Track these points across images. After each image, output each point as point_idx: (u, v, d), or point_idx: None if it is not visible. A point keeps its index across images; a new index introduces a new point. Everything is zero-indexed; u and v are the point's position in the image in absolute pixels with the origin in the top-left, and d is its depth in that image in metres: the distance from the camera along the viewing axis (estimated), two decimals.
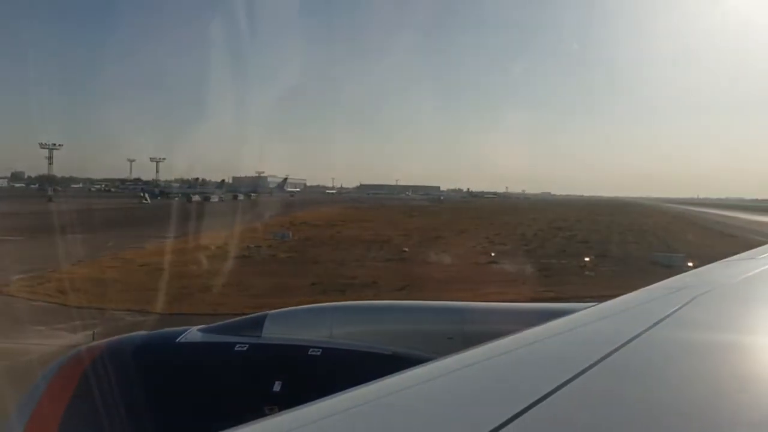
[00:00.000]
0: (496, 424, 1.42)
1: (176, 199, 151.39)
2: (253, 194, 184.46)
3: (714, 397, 1.73)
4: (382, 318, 4.52)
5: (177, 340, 4.35)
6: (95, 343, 4.67)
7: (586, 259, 34.40)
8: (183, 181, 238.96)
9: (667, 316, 2.57)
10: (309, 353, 4.04)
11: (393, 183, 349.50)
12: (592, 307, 3.14)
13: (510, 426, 1.43)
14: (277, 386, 3.80)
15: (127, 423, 3.85)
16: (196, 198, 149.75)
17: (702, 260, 30.25)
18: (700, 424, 1.56)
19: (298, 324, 4.43)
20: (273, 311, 4.52)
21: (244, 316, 4.67)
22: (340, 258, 36.79)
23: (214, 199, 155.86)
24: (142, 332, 5.01)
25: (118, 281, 27.15)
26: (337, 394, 1.75)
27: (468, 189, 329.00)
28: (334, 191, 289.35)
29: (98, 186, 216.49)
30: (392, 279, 27.97)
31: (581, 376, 1.76)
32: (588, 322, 2.73)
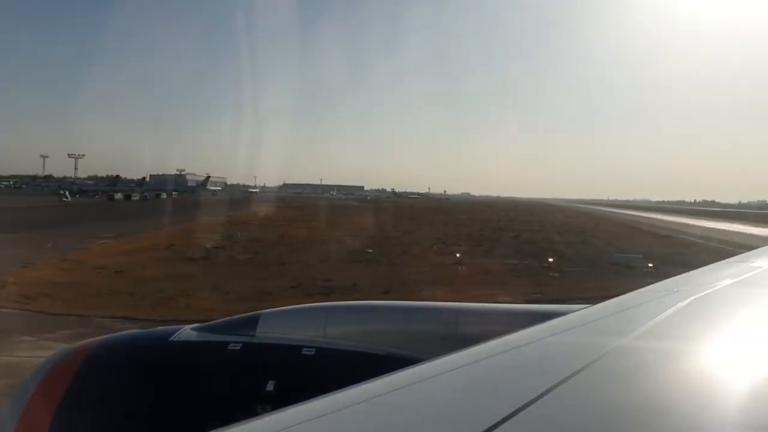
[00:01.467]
0: (489, 425, 1.43)
1: (96, 197, 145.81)
2: (174, 193, 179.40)
3: (708, 399, 1.73)
4: (376, 318, 4.49)
5: (170, 338, 4.31)
6: (88, 341, 4.52)
7: (550, 260, 35.25)
8: (98, 179, 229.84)
9: (662, 318, 2.58)
10: (302, 353, 4.04)
11: (317, 182, 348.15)
12: (586, 309, 3.16)
13: (503, 426, 1.44)
14: (270, 386, 3.80)
15: (119, 422, 3.91)
16: (118, 196, 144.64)
17: (655, 260, 31.75)
18: (693, 425, 1.57)
19: (292, 324, 4.40)
20: (266, 311, 4.48)
21: (238, 315, 4.61)
22: (304, 259, 36.17)
23: (136, 197, 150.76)
24: (136, 330, 5.12)
25: (83, 285, 25.69)
26: (330, 393, 1.76)
27: (393, 189, 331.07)
28: (257, 190, 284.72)
29: (6, 183, 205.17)
30: (371, 281, 27.72)
31: (575, 377, 1.78)
32: (582, 323, 2.74)
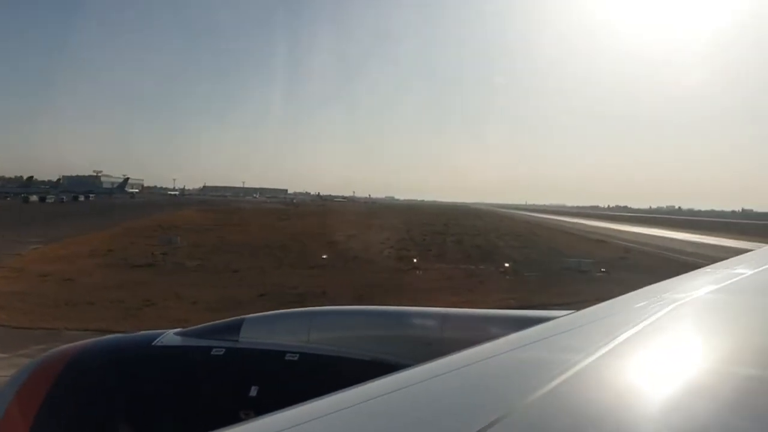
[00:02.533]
0: (475, 431, 1.44)
1: (8, 199, 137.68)
2: (91, 195, 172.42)
3: (690, 405, 1.74)
4: (361, 323, 4.46)
5: (153, 343, 4.28)
6: (69, 345, 4.44)
7: (506, 264, 35.59)
8: (7, 180, 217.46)
9: (645, 324, 2.59)
10: (286, 358, 4.02)
11: (239, 185, 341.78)
12: (571, 314, 3.17)
13: None
14: (253, 391, 3.79)
15: (101, 427, 3.92)
16: (33, 198, 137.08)
17: (604, 265, 32.65)
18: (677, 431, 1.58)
19: (276, 329, 4.35)
20: (250, 315, 4.43)
21: (221, 320, 4.53)
22: (257, 266, 35.04)
23: (51, 199, 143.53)
24: (118, 335, 4.98)
25: (34, 294, 23.88)
26: (314, 399, 1.76)
27: (318, 193, 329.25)
28: (176, 192, 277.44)
29: None
30: (338, 288, 27.05)
31: (559, 383, 1.78)
32: (567, 329, 2.75)
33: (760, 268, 4.97)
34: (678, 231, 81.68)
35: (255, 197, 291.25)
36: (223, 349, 4.11)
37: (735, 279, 4.27)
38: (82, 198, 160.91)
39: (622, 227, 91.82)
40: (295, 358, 4.00)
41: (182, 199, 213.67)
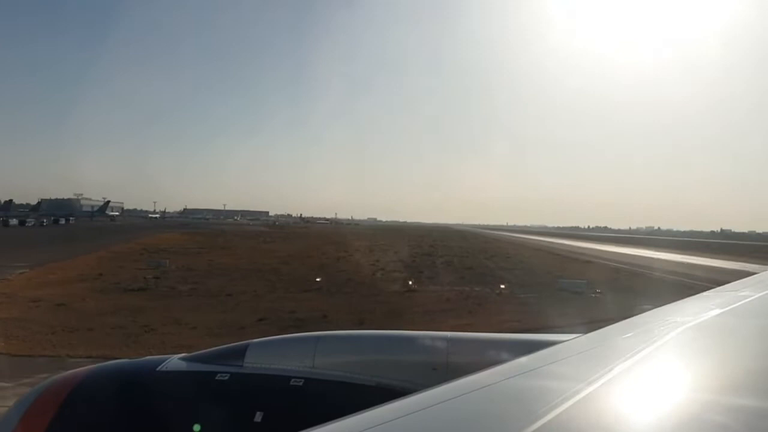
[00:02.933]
0: None
1: None
2: (71, 218, 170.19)
3: (699, 429, 1.75)
4: (366, 348, 4.44)
5: (157, 368, 4.28)
6: (74, 371, 4.43)
7: (502, 286, 35.54)
8: None
9: (654, 347, 2.60)
10: (291, 383, 4.01)
11: (220, 207, 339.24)
12: (577, 338, 3.18)
13: None
14: (258, 417, 3.78)
15: None
16: (13, 222, 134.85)
17: (596, 286, 32.70)
18: None
19: (281, 353, 4.34)
20: (255, 340, 4.45)
21: (226, 345, 4.55)
22: (251, 289, 34.69)
23: (31, 223, 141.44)
24: (123, 360, 5.01)
25: (29, 321, 23.35)
26: (318, 426, 1.76)
27: (300, 215, 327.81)
28: (157, 215, 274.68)
29: None
30: (336, 312, 26.81)
31: (568, 407, 1.79)
32: (574, 352, 2.78)
33: (765, 291, 4.95)
34: (662, 251, 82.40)
35: (236, 219, 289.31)
36: (228, 374, 4.11)
37: (741, 302, 4.26)
38: (63, 221, 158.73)
39: (606, 248, 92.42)
40: (300, 384, 4.00)
41: (163, 222, 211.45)
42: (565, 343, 3.09)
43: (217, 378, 4.09)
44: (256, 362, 4.19)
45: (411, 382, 3.67)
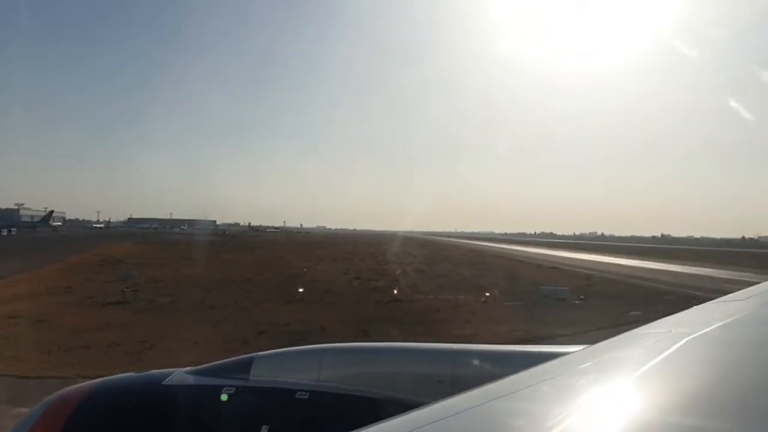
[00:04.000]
0: None
1: None
2: (12, 229, 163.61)
3: None
4: (372, 360, 4.48)
5: (163, 382, 4.31)
6: (80, 385, 4.48)
7: (487, 294, 35.72)
8: None
9: (658, 359, 2.61)
10: (297, 396, 4.05)
11: (166, 216, 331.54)
12: (582, 350, 3.22)
13: None
14: (264, 430, 3.81)
15: None
16: None
17: (575, 293, 33.15)
18: None
19: (286, 366, 4.38)
20: (260, 353, 4.48)
21: (231, 359, 4.59)
22: (233, 302, 33.79)
23: None
24: (129, 374, 4.98)
25: (15, 339, 22.20)
26: None
27: (249, 223, 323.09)
28: (101, 225, 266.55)
29: None
30: (330, 323, 26.43)
31: (575, 420, 1.83)
32: (577, 366, 2.79)
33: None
34: (621, 257, 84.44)
35: (183, 229, 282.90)
36: (234, 388, 4.10)
37: (743, 313, 4.22)
38: (4, 232, 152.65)
39: (563, 254, 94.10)
40: (306, 397, 3.99)
41: (109, 232, 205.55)
42: (569, 355, 3.10)
43: (223, 392, 4.08)
44: (262, 375, 4.18)
45: (417, 395, 3.65)
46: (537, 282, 42.47)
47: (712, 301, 4.74)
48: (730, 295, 5.22)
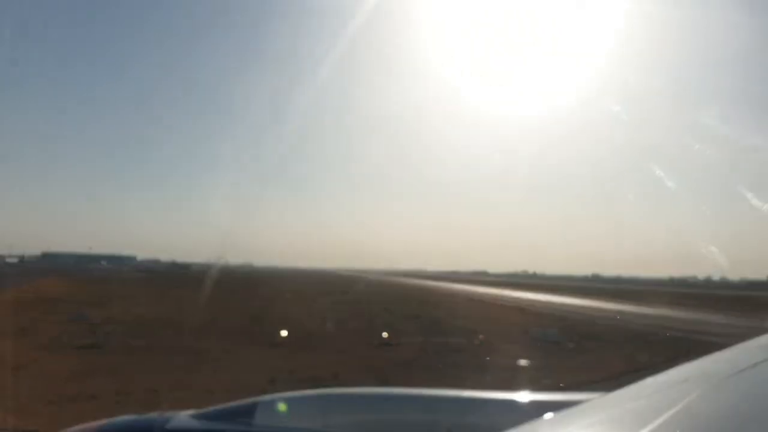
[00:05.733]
0: None
1: None
2: None
3: None
4: (379, 407, 4.39)
5: (165, 426, 4.20)
6: (84, 426, 4.45)
7: (481, 336, 34.87)
8: None
9: (672, 410, 2.55)
10: None
11: (86, 251, 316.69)
12: (595, 400, 3.21)
13: None
14: None
15: None
16: None
17: (563, 333, 32.82)
18: None
19: (292, 411, 4.28)
20: (265, 397, 4.43)
21: (235, 402, 4.52)
22: (212, 346, 31.34)
23: None
24: (131, 416, 4.91)
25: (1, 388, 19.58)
26: None
27: (173, 260, 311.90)
28: (15, 260, 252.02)
29: None
30: (337, 369, 24.87)
31: None
32: (593, 415, 2.76)
33: None
34: (574, 297, 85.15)
35: (103, 264, 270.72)
36: None
37: (762, 361, 3.96)
38: None
39: (516, 294, 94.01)
40: None
41: (26, 268, 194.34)
42: (583, 405, 3.01)
43: None
44: (266, 420, 4.05)
45: None
46: (516, 324, 42.08)
47: (729, 348, 4.52)
48: (750, 341, 4.97)
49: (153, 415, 4.64)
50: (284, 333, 35.75)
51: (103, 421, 4.52)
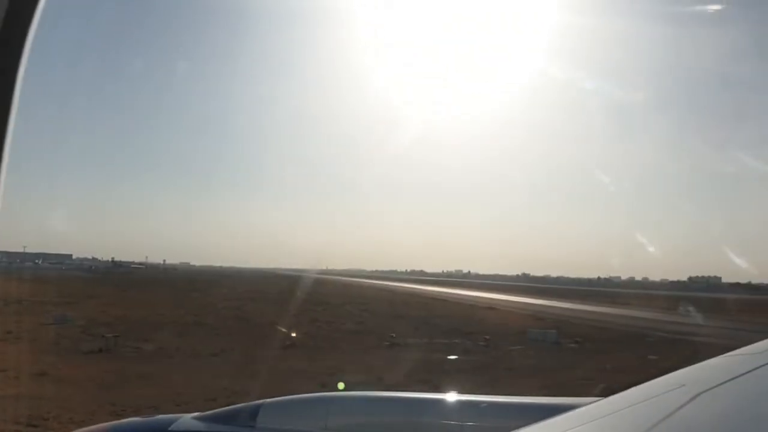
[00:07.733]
0: None
1: None
2: None
3: None
4: (379, 410, 4.53)
5: (170, 428, 4.36)
6: (90, 428, 4.69)
7: (486, 337, 35.15)
8: None
9: (668, 415, 2.61)
10: None
11: (20, 250, 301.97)
12: (593, 404, 3.26)
13: None
14: None
15: None
16: None
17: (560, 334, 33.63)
18: None
19: (294, 414, 4.48)
20: (268, 400, 4.59)
21: (238, 405, 4.77)
22: (221, 347, 31.06)
23: None
24: (136, 418, 5.29)
25: (39, 399, 18.91)
26: None
27: (112, 258, 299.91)
28: None
29: None
30: (362, 373, 24.57)
31: None
32: (592, 419, 2.81)
33: None
34: (547, 298, 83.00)
35: (37, 263, 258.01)
36: None
37: (758, 367, 4.02)
38: None
39: (478, 294, 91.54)
40: None
41: None
42: (578, 410, 3.06)
43: None
44: (269, 422, 4.14)
45: None
46: (505, 324, 42.62)
47: (725, 354, 4.59)
48: (744, 348, 4.95)
49: (157, 418, 4.69)
50: (294, 335, 35.05)
51: (110, 424, 4.61)
